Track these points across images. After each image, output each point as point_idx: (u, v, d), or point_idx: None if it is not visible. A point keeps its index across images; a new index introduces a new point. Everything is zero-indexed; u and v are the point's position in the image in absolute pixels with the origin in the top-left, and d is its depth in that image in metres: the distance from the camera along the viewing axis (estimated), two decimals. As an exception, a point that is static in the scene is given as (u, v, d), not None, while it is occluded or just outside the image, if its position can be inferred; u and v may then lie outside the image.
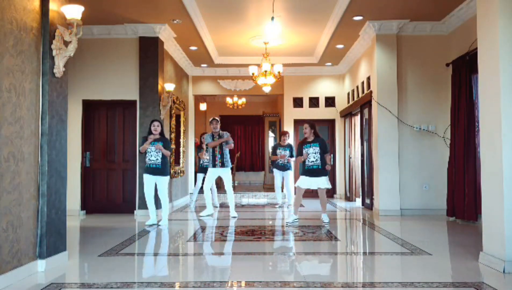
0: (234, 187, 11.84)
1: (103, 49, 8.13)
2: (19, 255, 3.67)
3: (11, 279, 3.52)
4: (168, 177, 6.84)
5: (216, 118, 7.86)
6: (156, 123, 6.76)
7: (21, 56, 3.72)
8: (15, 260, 3.61)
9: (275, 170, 9.39)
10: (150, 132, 6.75)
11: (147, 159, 6.68)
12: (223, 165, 7.60)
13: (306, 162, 6.75)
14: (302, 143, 6.89)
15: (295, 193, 7.23)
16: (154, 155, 6.65)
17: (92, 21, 7.61)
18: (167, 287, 3.56)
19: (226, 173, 7.68)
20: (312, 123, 6.97)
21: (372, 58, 8.24)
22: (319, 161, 6.71)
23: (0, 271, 3.41)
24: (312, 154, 6.72)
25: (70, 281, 3.80)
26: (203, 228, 6.68)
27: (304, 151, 6.76)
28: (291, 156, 9.15)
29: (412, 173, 7.86)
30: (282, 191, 9.71)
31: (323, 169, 6.75)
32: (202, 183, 8.55)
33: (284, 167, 9.26)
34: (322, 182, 6.75)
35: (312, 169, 6.73)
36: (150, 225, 6.65)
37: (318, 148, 6.73)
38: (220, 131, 7.72)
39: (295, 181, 8.48)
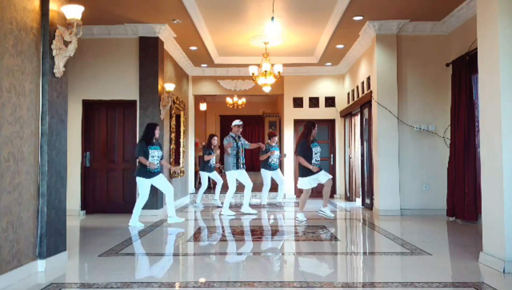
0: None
1: (103, 49, 8.13)
2: (19, 255, 3.67)
3: (11, 279, 3.52)
4: None
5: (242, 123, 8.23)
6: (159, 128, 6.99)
7: (21, 56, 3.72)
8: (15, 260, 3.61)
9: (267, 171, 9.27)
10: (152, 136, 6.74)
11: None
12: (243, 166, 7.99)
13: (313, 162, 6.93)
14: (309, 142, 7.02)
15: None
16: (156, 159, 6.73)
17: (92, 21, 7.61)
18: (167, 287, 3.56)
19: (245, 173, 8.03)
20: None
21: (372, 58, 8.24)
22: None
23: (0, 271, 3.41)
24: (319, 153, 7.06)
25: (70, 281, 3.80)
26: (202, 228, 6.68)
27: (313, 150, 6.98)
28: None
29: (412, 173, 7.86)
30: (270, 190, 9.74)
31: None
32: (209, 182, 9.26)
33: (275, 167, 9.29)
34: (325, 174, 7.07)
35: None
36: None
37: (319, 148, 7.15)
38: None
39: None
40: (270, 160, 9.20)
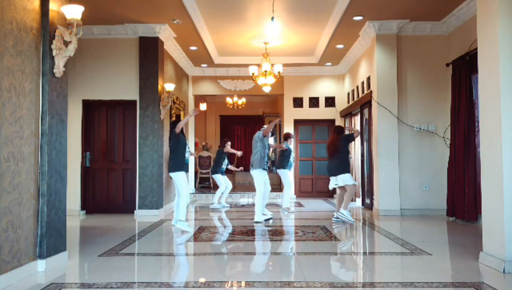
0: (234, 187, 11.88)
1: (103, 49, 8.13)
2: (19, 255, 3.67)
3: (11, 279, 3.52)
4: None
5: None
6: None
7: (21, 56, 3.72)
8: (15, 260, 3.61)
9: (287, 170, 8.84)
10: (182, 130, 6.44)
11: (187, 154, 6.33)
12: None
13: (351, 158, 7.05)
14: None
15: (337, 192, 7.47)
16: (188, 152, 6.50)
17: (92, 21, 7.61)
18: (167, 287, 3.56)
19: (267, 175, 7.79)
20: None
21: (372, 58, 8.24)
22: None
23: (0, 271, 3.41)
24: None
25: (70, 281, 3.80)
26: (203, 228, 6.68)
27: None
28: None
29: (412, 173, 7.86)
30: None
31: None
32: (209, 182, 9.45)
33: (290, 168, 9.02)
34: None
35: None
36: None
37: None
38: None
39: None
40: (289, 159, 9.00)
